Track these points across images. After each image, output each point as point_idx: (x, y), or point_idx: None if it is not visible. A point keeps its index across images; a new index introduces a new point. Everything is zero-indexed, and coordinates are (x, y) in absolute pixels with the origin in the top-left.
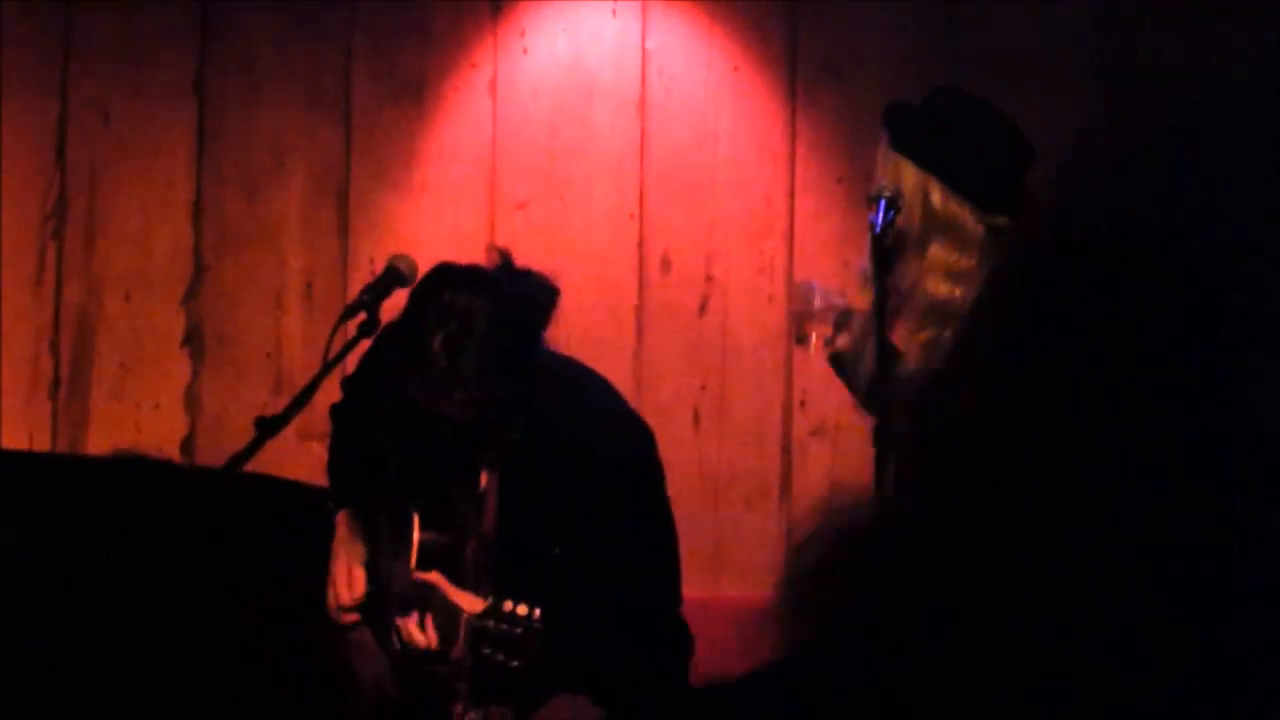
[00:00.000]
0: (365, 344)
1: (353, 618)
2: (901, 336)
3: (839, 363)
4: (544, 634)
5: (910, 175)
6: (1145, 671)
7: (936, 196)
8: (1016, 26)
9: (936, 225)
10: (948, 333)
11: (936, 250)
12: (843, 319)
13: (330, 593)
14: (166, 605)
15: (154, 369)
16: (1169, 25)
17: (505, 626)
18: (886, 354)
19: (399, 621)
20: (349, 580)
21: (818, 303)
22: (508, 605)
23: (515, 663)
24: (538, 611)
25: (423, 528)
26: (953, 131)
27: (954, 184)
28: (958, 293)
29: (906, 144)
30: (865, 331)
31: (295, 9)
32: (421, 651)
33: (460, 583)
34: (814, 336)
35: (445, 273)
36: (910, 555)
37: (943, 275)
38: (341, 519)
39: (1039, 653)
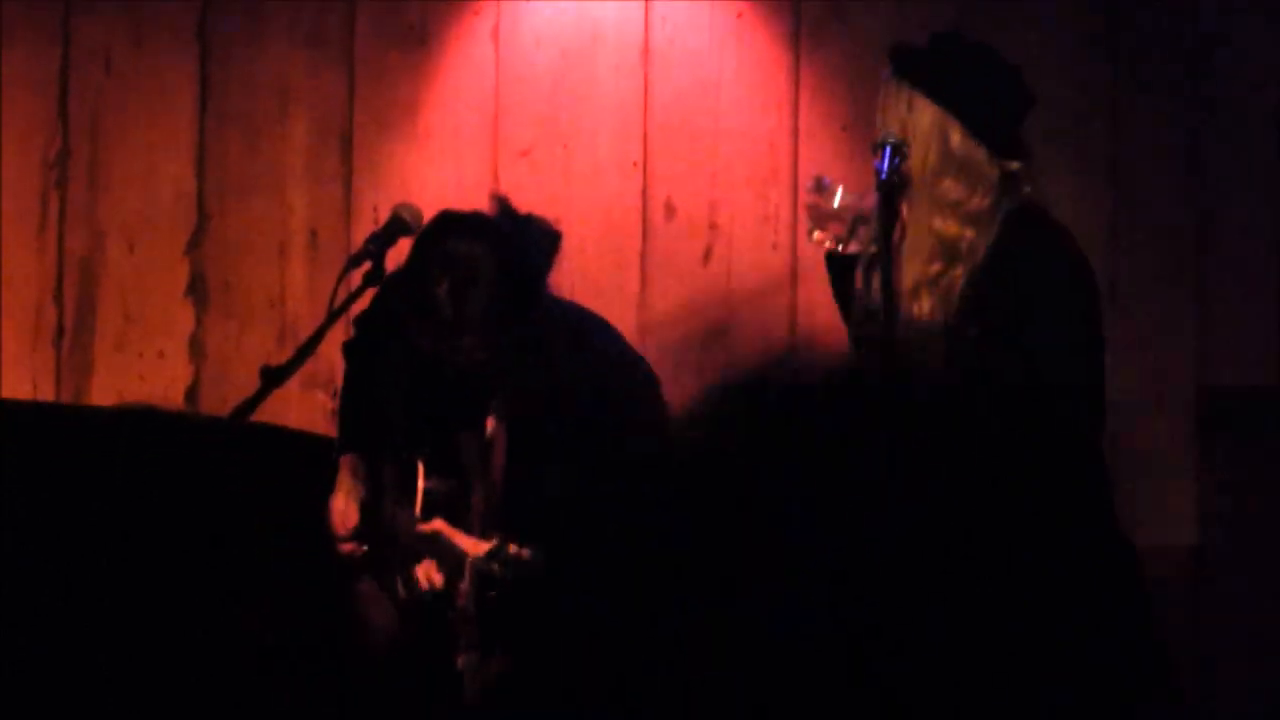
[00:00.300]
0: (371, 293)
1: (350, 547)
2: (911, 274)
3: (835, 265)
4: (548, 576)
5: (928, 114)
6: None
7: (956, 137)
8: None
9: (952, 165)
10: (958, 270)
11: (950, 188)
12: (857, 222)
13: (327, 526)
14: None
15: (158, 318)
16: None
17: (510, 568)
18: (891, 298)
19: (405, 568)
20: (344, 513)
21: (837, 202)
22: (512, 548)
23: (519, 604)
24: (526, 552)
25: (427, 475)
26: (971, 74)
27: (973, 125)
28: (969, 233)
29: (928, 83)
30: (872, 244)
31: None
32: (425, 595)
33: (467, 530)
34: (825, 234)
35: (448, 220)
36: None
37: (955, 214)
38: (345, 461)
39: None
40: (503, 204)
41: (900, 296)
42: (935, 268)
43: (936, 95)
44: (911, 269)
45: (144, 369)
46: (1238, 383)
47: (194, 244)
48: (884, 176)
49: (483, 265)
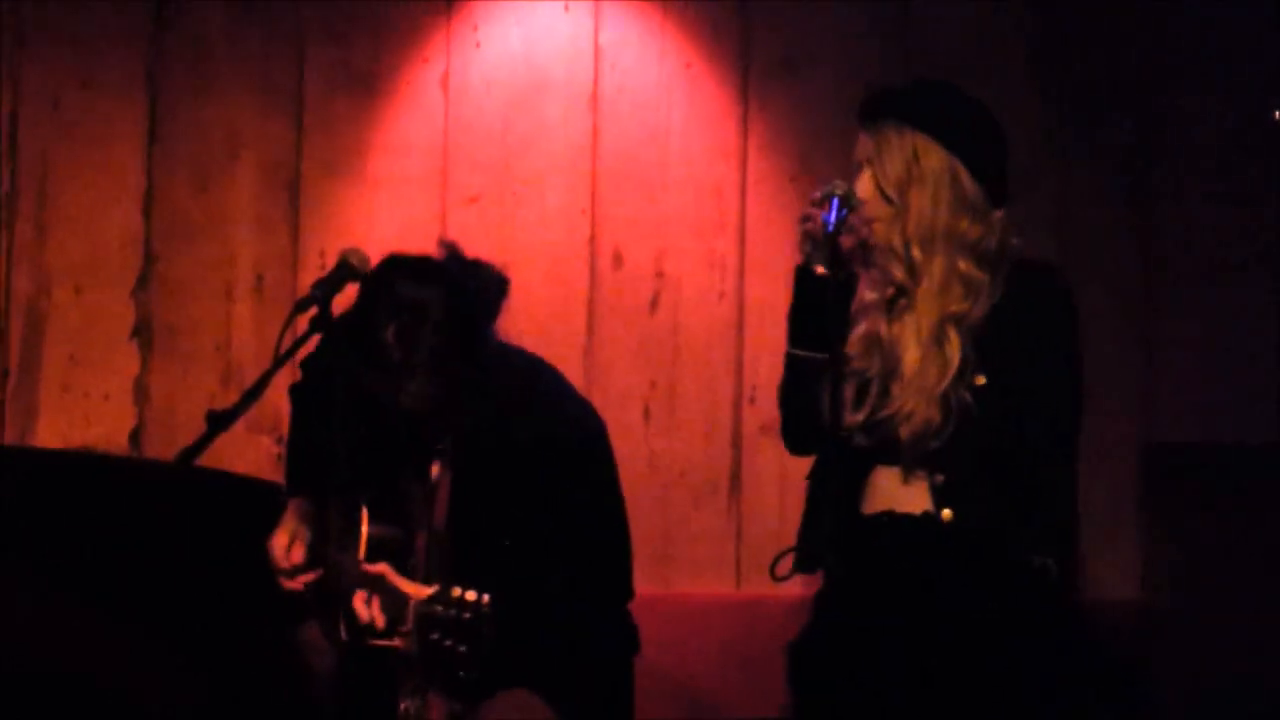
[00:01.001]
0: (317, 339)
1: (292, 583)
2: (937, 313)
3: (806, 282)
4: (492, 619)
5: (935, 157)
6: None
7: (964, 179)
8: (969, 25)
9: (966, 206)
10: (976, 311)
11: (970, 228)
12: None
13: (269, 562)
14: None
15: (103, 360)
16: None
17: (453, 611)
18: (838, 346)
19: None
20: (287, 548)
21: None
22: (455, 591)
23: (463, 648)
24: (486, 597)
25: (372, 520)
26: (969, 119)
27: (976, 169)
28: (984, 275)
29: (936, 126)
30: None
31: (248, 0)
32: (367, 628)
33: (411, 576)
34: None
35: (396, 264)
36: None
37: (973, 255)
38: (293, 504)
39: None
40: (451, 249)
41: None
42: (964, 307)
43: (945, 138)
44: (940, 307)
45: (89, 411)
46: (1182, 439)
47: (140, 287)
48: (830, 229)
49: (430, 308)
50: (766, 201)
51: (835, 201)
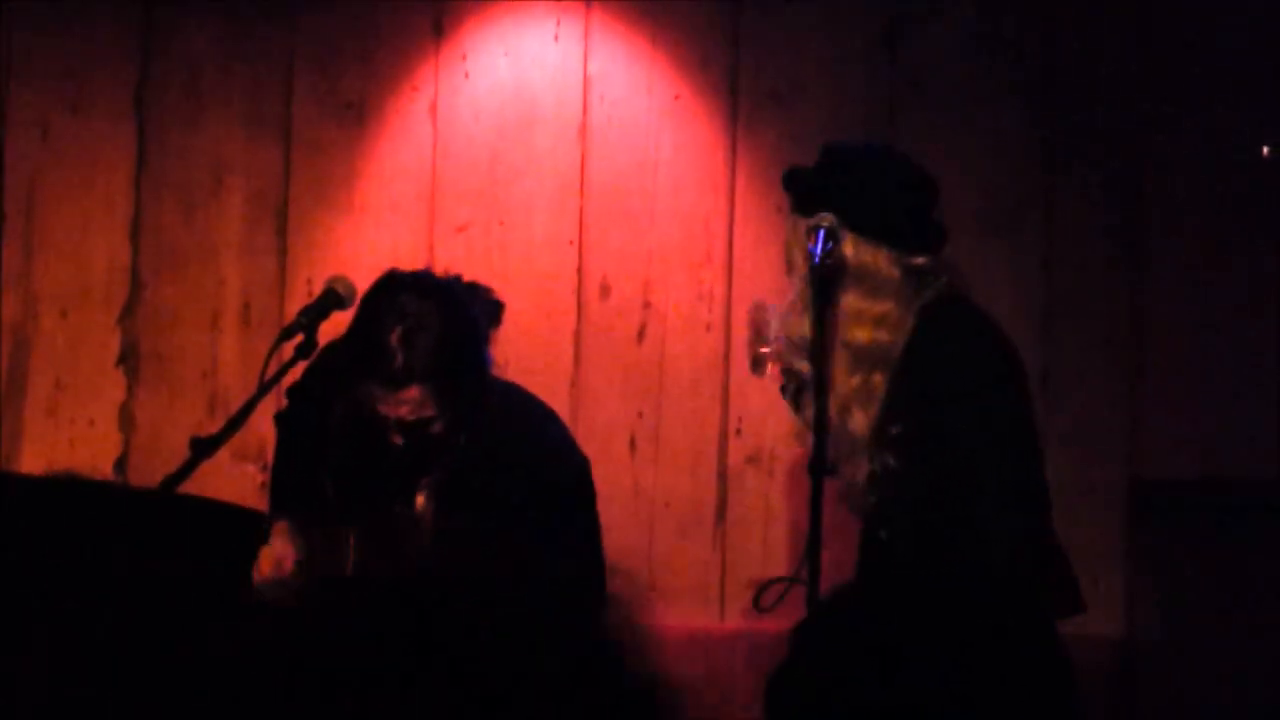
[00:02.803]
0: (302, 366)
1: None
2: (838, 380)
3: (793, 393)
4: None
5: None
6: None
7: (849, 247)
8: (958, 55)
9: (850, 275)
10: (877, 376)
11: (853, 299)
12: (799, 345)
13: (254, 570)
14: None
15: (89, 387)
16: (1108, 53)
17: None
18: (824, 385)
19: None
20: (281, 556)
21: (774, 329)
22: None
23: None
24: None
25: (358, 546)
26: (853, 180)
27: (864, 230)
28: (882, 336)
29: (813, 203)
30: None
31: (237, 28)
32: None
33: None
34: (769, 364)
35: (398, 277)
36: None
37: (862, 323)
38: (279, 526)
39: None
40: (447, 272)
41: (834, 400)
42: (857, 378)
43: (817, 212)
44: (839, 377)
45: (74, 437)
46: (1169, 475)
47: (127, 313)
48: (816, 261)
49: (432, 318)
50: (754, 233)
51: (821, 234)
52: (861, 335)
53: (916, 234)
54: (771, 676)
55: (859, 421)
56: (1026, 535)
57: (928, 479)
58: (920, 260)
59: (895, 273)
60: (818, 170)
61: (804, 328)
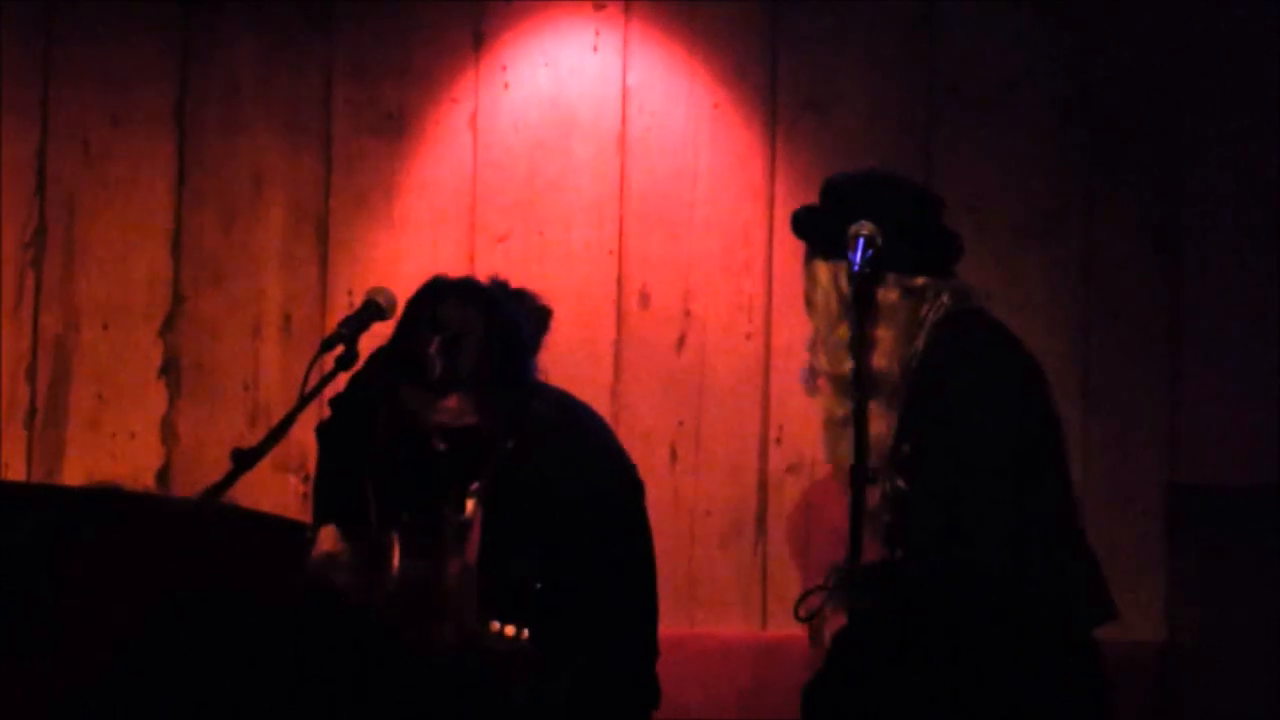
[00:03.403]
0: (343, 377)
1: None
2: (828, 409)
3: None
4: (530, 654)
5: (824, 273)
6: None
7: (845, 280)
8: (996, 61)
9: (847, 308)
10: (871, 404)
11: (845, 330)
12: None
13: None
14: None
15: (131, 399)
16: (1147, 59)
17: (492, 644)
18: (863, 393)
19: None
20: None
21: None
22: (494, 626)
23: (504, 681)
24: (525, 631)
25: (402, 554)
26: (849, 212)
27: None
28: (881, 364)
29: (812, 242)
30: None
31: (277, 39)
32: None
33: (440, 609)
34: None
35: (441, 285)
36: None
37: (849, 353)
38: (325, 529)
39: None
40: (493, 278)
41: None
42: (844, 410)
43: (821, 250)
44: (826, 414)
45: (116, 449)
46: (1208, 481)
47: (168, 325)
48: (856, 268)
49: (474, 326)
50: (794, 242)
51: (861, 242)
52: (846, 366)
53: (915, 254)
54: (808, 685)
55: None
56: (1044, 545)
57: (935, 495)
58: (921, 280)
59: (892, 296)
60: (819, 211)
61: (840, 362)
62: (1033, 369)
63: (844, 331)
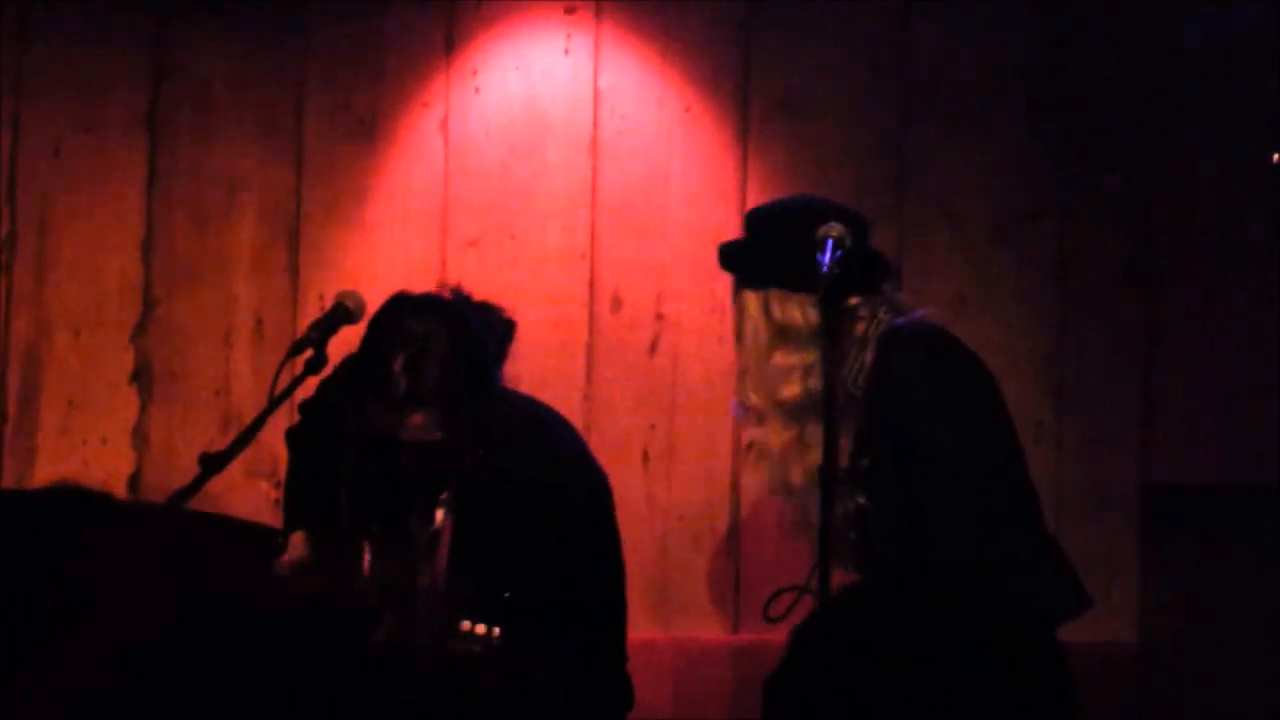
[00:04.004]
0: (312, 381)
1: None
2: (770, 439)
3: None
4: (503, 652)
5: (753, 303)
6: None
7: (775, 307)
8: (970, 66)
9: (776, 335)
10: (811, 426)
11: (780, 358)
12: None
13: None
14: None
15: (102, 405)
16: (1119, 64)
17: (464, 645)
18: (833, 397)
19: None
20: (290, 549)
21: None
22: (465, 625)
23: (476, 681)
24: (497, 630)
25: (373, 559)
26: (772, 241)
27: (789, 285)
28: (812, 385)
29: (741, 277)
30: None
31: (249, 44)
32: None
33: (411, 616)
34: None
35: (405, 300)
36: None
37: (791, 379)
38: (296, 535)
39: None
40: (456, 290)
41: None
42: (789, 435)
43: (748, 281)
44: (769, 444)
45: (87, 455)
46: (1182, 481)
47: (139, 331)
48: (825, 269)
49: (438, 342)
50: None
51: (830, 243)
52: (790, 391)
53: (845, 276)
54: (769, 678)
55: (795, 474)
56: (1011, 544)
57: (900, 507)
58: (854, 300)
59: (814, 315)
60: (746, 243)
61: (778, 389)
62: (981, 371)
63: (780, 359)
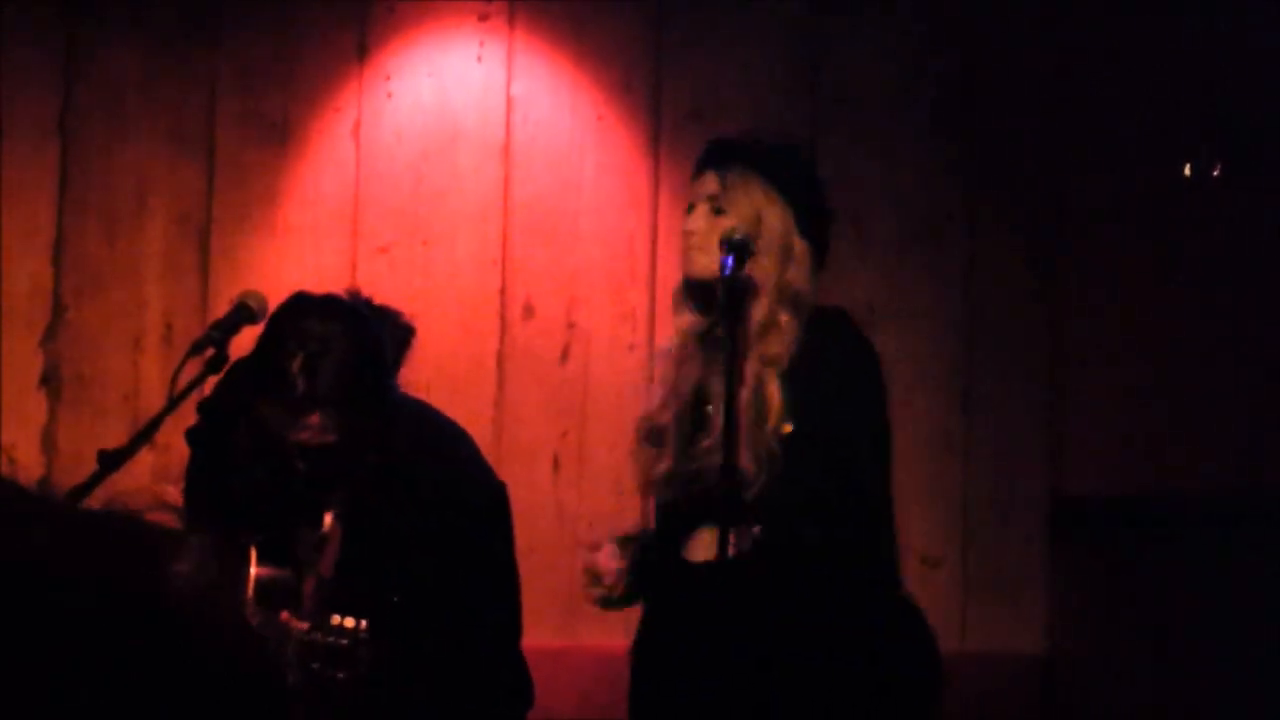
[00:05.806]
0: (213, 380)
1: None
2: (750, 368)
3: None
4: (370, 644)
5: (778, 213)
6: None
7: (797, 237)
8: (879, 75)
9: (793, 260)
10: (798, 319)
11: (795, 277)
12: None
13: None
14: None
15: (11, 409)
16: (1027, 74)
17: (331, 639)
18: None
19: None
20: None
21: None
22: (334, 619)
23: (341, 674)
24: (364, 622)
25: (260, 562)
26: (810, 184)
27: (807, 228)
28: (795, 324)
29: (782, 182)
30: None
31: (160, 49)
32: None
33: (297, 617)
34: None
35: (304, 300)
36: None
37: (790, 307)
38: (194, 538)
39: None
40: (356, 294)
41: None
42: (786, 317)
43: (787, 195)
44: (759, 352)
45: None
46: (1090, 492)
47: (49, 336)
48: (727, 273)
49: (337, 343)
50: (678, 252)
51: (735, 246)
52: (804, 282)
53: (823, 248)
54: (635, 643)
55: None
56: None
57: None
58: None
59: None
60: (787, 154)
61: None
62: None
63: (793, 278)
